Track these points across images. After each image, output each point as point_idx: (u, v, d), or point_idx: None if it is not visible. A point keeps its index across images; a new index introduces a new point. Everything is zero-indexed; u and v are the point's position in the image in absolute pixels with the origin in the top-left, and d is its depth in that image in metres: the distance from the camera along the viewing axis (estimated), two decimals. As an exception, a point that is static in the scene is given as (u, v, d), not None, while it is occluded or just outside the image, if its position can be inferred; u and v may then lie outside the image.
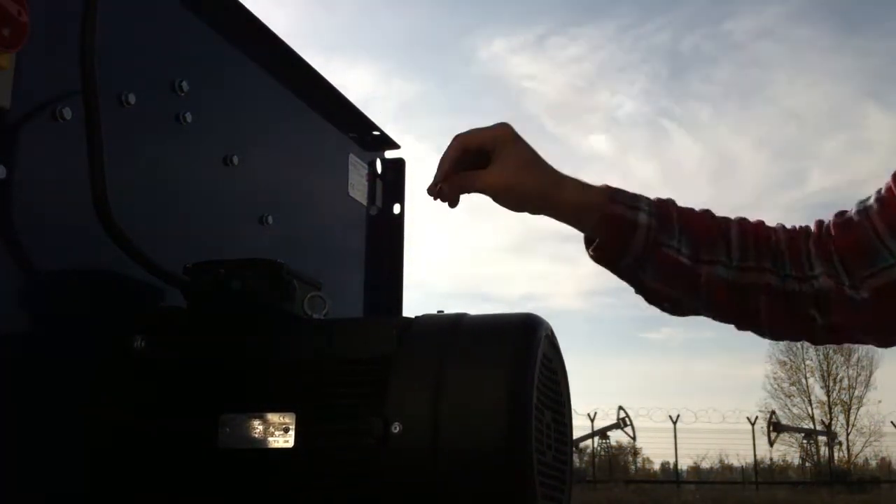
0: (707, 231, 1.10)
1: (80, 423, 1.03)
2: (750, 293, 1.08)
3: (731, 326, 1.13)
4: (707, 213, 1.13)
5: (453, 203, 1.10)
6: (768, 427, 25.10)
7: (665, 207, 1.10)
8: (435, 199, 1.10)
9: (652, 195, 1.12)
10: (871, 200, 1.07)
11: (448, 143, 1.09)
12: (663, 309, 1.14)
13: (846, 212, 1.10)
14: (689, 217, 1.11)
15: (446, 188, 1.08)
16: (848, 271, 1.06)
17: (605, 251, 1.10)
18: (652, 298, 1.12)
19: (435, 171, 1.10)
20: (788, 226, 1.14)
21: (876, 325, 1.06)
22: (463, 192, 1.09)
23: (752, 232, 1.11)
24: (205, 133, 1.30)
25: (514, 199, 1.09)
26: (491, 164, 1.08)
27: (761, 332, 1.12)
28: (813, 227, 1.12)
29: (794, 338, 1.13)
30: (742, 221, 1.12)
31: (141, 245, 1.07)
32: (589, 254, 1.12)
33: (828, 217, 1.12)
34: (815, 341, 1.12)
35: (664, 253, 1.07)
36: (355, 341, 1.05)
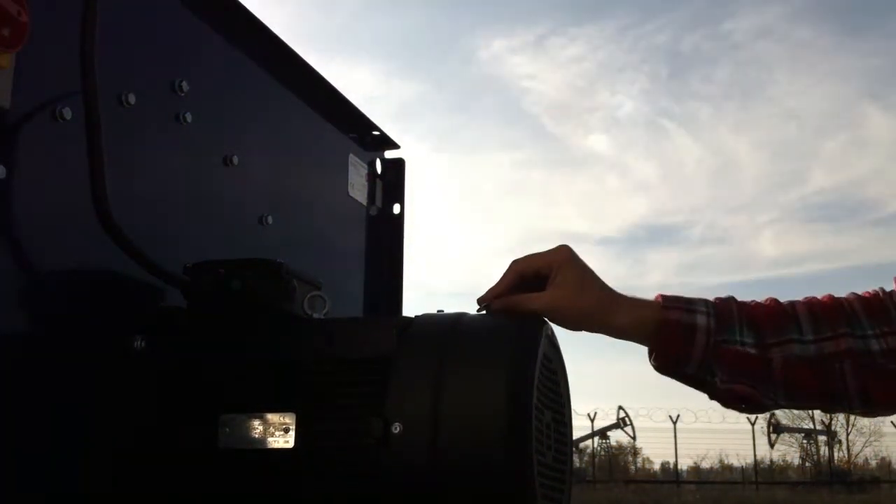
0: (771, 315, 1.08)
1: (80, 423, 1.03)
2: (831, 363, 1.05)
3: None
4: (771, 300, 1.11)
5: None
6: (768, 428, 25.09)
7: (724, 304, 1.08)
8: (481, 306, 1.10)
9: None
10: None
11: (506, 267, 1.10)
12: (741, 410, 1.10)
13: None
14: (751, 307, 1.09)
15: (497, 305, 1.08)
16: None
17: (667, 359, 1.08)
18: (727, 400, 1.09)
19: (488, 289, 1.10)
20: (860, 292, 1.11)
21: None
22: (512, 312, 1.07)
23: (819, 304, 1.09)
24: (205, 133, 1.30)
25: (569, 320, 1.08)
26: (548, 287, 1.08)
27: (851, 405, 1.07)
28: (892, 286, 1.10)
29: (890, 403, 1.07)
30: (809, 299, 1.10)
31: (141, 245, 1.07)
32: (652, 364, 1.10)
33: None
34: None
35: (727, 349, 1.05)
36: (355, 341, 1.05)
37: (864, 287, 1.12)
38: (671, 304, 1.07)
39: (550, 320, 1.07)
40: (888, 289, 1.11)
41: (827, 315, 1.07)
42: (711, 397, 1.10)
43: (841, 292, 1.12)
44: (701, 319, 1.06)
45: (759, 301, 1.11)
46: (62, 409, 1.01)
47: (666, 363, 1.09)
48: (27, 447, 0.97)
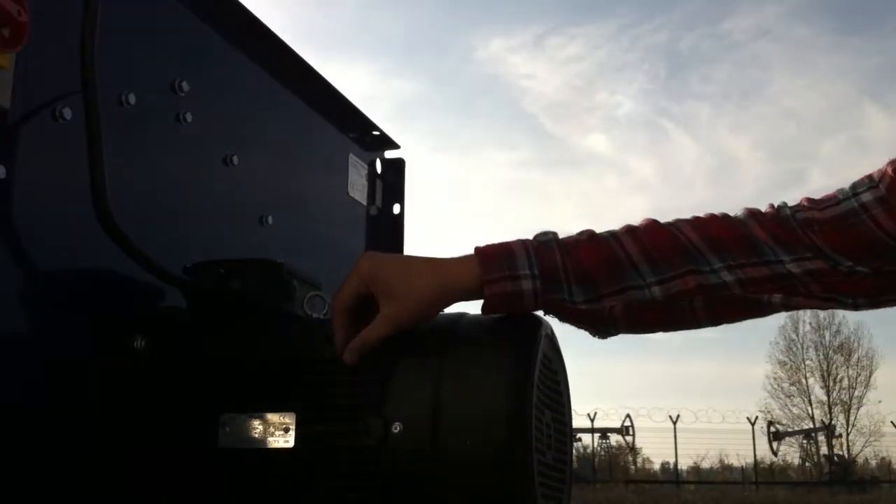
0: (602, 262, 1.03)
1: (80, 423, 1.03)
2: (680, 301, 1.05)
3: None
4: (594, 240, 1.05)
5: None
6: (769, 436, 25.12)
7: (549, 259, 1.02)
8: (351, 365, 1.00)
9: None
10: (867, 196, 1.03)
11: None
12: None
13: (822, 202, 1.06)
14: (579, 255, 1.03)
15: (353, 356, 0.99)
16: (846, 260, 1.02)
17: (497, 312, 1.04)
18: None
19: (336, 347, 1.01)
20: (688, 217, 1.08)
21: (875, 290, 1.04)
22: (371, 349, 0.99)
23: (651, 243, 1.04)
24: (205, 133, 1.30)
25: (423, 318, 1.01)
26: (380, 303, 1.00)
27: (697, 325, 1.09)
28: (741, 213, 1.07)
29: (737, 320, 1.09)
30: (635, 233, 1.05)
31: (141, 245, 1.07)
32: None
33: (777, 201, 1.07)
34: (762, 315, 1.08)
35: (561, 306, 1.03)
36: (355, 341, 1.05)
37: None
38: (493, 277, 1.00)
39: (406, 329, 1.00)
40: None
41: (665, 254, 1.03)
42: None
43: None
44: (526, 285, 1.01)
45: (585, 240, 1.05)
46: (62, 409, 1.01)
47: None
48: (27, 447, 0.97)
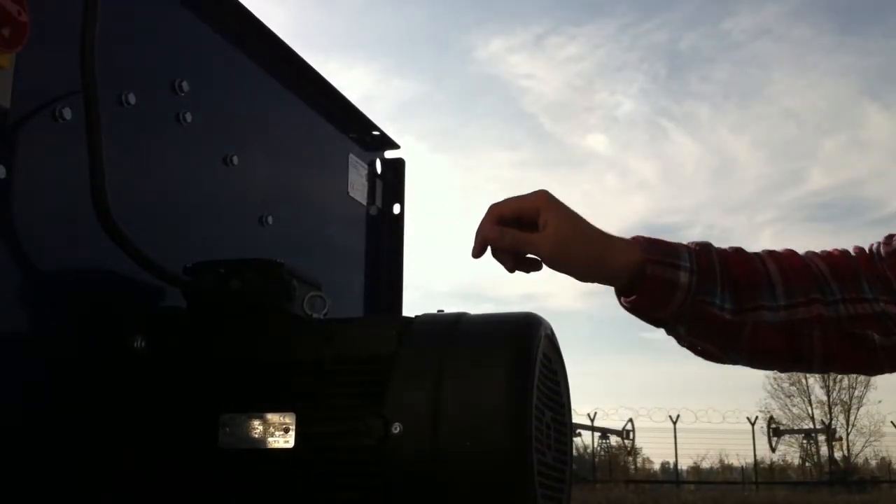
0: (748, 276, 1.05)
1: (81, 423, 1.03)
2: (800, 329, 1.05)
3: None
4: (741, 254, 1.08)
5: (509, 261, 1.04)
6: (769, 432, 25.11)
7: (707, 260, 1.05)
8: (477, 256, 1.03)
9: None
10: None
11: (484, 212, 1.03)
12: (697, 354, 1.09)
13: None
14: (730, 263, 1.06)
15: (503, 242, 1.01)
16: None
17: (642, 306, 1.06)
18: (686, 347, 1.09)
19: (473, 239, 1.03)
20: (818, 250, 1.11)
21: None
22: (514, 249, 1.02)
23: (790, 266, 1.07)
24: (205, 133, 1.30)
25: (574, 265, 1.02)
26: (541, 232, 1.01)
27: (810, 366, 1.08)
28: (852, 250, 1.10)
29: (847, 366, 1.08)
30: (776, 256, 1.08)
31: (141, 245, 1.07)
32: (622, 304, 1.07)
33: (868, 242, 1.10)
34: (871, 368, 1.08)
35: (704, 309, 1.03)
36: (355, 341, 1.05)
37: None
38: (656, 258, 1.03)
39: (554, 266, 1.03)
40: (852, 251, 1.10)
41: (799, 279, 1.06)
42: (670, 335, 1.08)
43: None
44: (683, 277, 1.03)
45: (733, 252, 1.08)
46: (62, 409, 1.01)
47: (638, 308, 1.06)
48: (27, 447, 0.97)
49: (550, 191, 1.04)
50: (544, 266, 1.04)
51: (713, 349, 1.08)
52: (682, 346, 1.09)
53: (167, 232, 1.20)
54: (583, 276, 1.04)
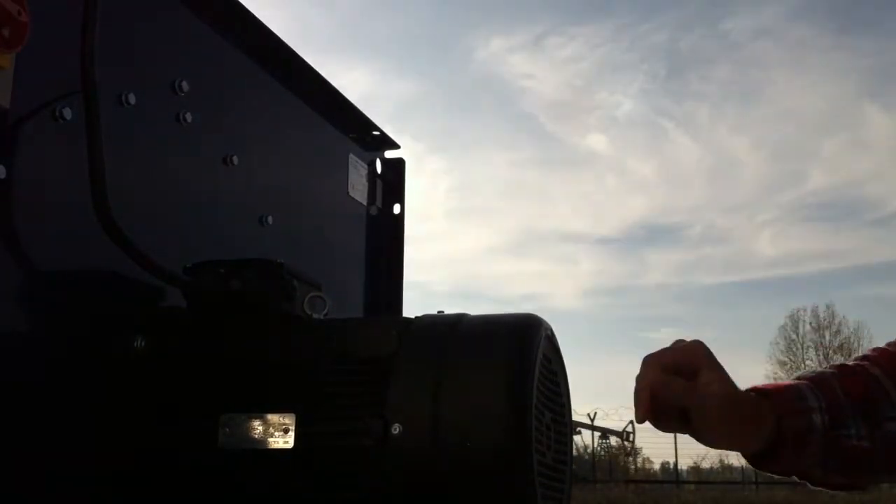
0: (867, 394, 1.02)
1: (81, 423, 1.03)
2: None
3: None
4: (845, 369, 1.06)
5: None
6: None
7: (832, 393, 1.01)
8: (647, 412, 0.95)
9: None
10: None
11: (640, 369, 0.97)
12: (832, 489, 1.06)
13: None
14: (848, 386, 1.02)
15: (665, 387, 0.94)
16: None
17: (777, 463, 1.01)
18: (820, 485, 1.04)
19: (634, 400, 0.96)
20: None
21: None
22: (679, 401, 0.96)
23: (891, 367, 1.04)
24: (205, 133, 1.30)
25: (729, 421, 0.97)
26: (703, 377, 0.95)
27: None
28: None
29: None
30: (876, 360, 1.06)
31: (141, 245, 1.07)
32: (749, 461, 1.04)
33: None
34: None
35: (844, 444, 1.00)
36: (355, 341, 1.05)
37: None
38: (787, 411, 0.98)
39: (711, 425, 0.97)
40: None
41: None
42: (803, 480, 1.04)
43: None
44: (816, 419, 0.99)
45: (839, 371, 1.05)
46: (62, 409, 1.01)
47: (772, 465, 1.02)
48: (27, 447, 0.97)
49: (705, 342, 0.99)
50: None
51: (851, 481, 1.04)
52: (815, 486, 1.05)
53: (167, 232, 1.20)
54: (738, 439, 1.00)
